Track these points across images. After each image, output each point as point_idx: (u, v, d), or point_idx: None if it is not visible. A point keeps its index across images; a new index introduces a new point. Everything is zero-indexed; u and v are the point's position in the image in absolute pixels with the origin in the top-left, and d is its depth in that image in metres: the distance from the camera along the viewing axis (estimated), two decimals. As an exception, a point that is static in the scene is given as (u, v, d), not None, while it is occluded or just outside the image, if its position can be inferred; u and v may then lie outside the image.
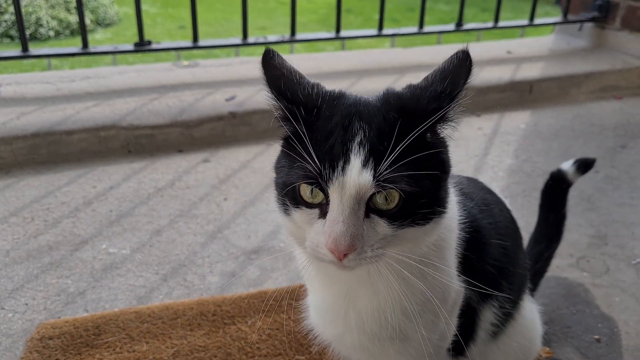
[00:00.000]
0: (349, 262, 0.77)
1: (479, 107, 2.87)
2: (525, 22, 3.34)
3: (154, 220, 1.92)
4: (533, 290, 1.34)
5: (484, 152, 2.47)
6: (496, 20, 3.21)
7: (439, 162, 0.83)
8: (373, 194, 0.77)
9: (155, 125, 2.35)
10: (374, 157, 0.75)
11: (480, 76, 2.93)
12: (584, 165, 1.47)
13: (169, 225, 1.90)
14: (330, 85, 0.87)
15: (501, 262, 1.06)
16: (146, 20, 6.14)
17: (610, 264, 1.77)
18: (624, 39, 3.24)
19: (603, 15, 3.29)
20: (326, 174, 0.76)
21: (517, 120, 2.80)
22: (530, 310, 1.26)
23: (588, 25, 3.40)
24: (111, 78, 2.65)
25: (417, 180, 0.77)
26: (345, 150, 0.76)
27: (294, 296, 1.54)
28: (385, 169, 0.75)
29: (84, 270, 1.68)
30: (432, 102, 0.79)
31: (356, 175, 0.75)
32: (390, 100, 0.82)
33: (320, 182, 0.76)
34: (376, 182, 0.75)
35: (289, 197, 0.82)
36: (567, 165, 1.47)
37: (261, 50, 0.87)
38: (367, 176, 0.75)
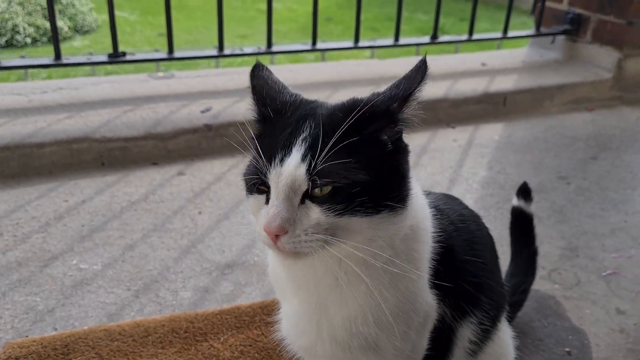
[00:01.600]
0: (283, 245, 0.83)
1: (453, 119, 2.90)
2: (499, 34, 3.39)
3: (126, 235, 1.89)
4: (510, 320, 1.36)
5: (458, 163, 2.50)
6: (470, 32, 3.25)
7: (392, 161, 0.88)
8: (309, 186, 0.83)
9: (129, 137, 2.32)
10: (311, 152, 0.82)
11: (454, 88, 2.96)
12: (523, 192, 1.53)
13: (142, 240, 1.87)
14: (307, 97, 0.94)
15: (479, 277, 1.07)
16: (125, 28, 6.12)
17: (581, 276, 1.79)
18: (594, 51, 3.31)
19: (575, 29, 3.36)
20: (267, 166, 0.84)
21: (491, 132, 2.83)
22: (508, 334, 1.27)
23: (560, 38, 3.47)
24: (85, 89, 2.61)
25: (353, 173, 0.83)
26: (289, 144, 0.84)
27: (268, 311, 1.54)
28: (321, 163, 0.82)
29: (54, 287, 1.65)
30: (383, 104, 0.85)
31: (293, 168, 0.82)
32: (345, 102, 0.89)
33: (263, 174, 0.85)
34: (310, 176, 0.82)
35: (247, 186, 0.91)
36: (516, 201, 1.54)
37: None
38: (301, 170, 0.82)
